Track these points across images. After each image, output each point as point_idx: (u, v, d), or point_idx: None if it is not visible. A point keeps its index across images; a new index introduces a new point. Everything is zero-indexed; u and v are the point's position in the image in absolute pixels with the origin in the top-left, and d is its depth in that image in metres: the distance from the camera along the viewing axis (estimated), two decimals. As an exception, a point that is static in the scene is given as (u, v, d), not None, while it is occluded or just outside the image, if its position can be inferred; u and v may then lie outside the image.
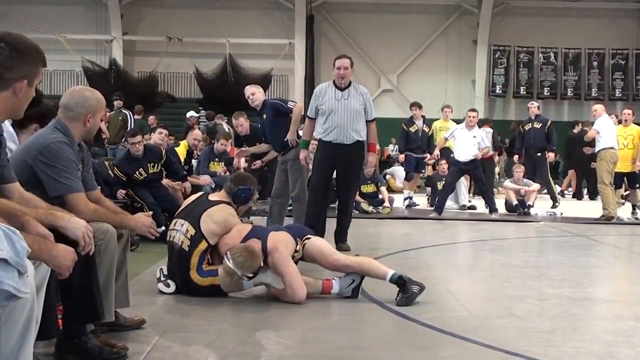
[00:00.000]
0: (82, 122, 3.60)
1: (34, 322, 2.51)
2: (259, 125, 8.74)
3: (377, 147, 7.86)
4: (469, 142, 11.82)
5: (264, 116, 8.19)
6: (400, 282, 4.74)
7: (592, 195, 16.62)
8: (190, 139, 10.30)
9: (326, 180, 7.47)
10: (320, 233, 6.76)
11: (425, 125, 13.50)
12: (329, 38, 23.27)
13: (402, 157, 14.46)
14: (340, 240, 7.35)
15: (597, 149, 11.49)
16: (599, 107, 11.94)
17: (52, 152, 3.42)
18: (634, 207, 11.89)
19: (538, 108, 14.18)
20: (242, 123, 10.04)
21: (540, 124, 13.66)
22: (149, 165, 8.16)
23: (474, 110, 12.49)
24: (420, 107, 13.60)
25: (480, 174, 12.10)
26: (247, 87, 8.48)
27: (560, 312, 4.63)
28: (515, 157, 14.57)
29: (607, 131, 11.34)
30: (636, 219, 11.62)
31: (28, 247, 2.23)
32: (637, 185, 11.89)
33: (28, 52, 2.71)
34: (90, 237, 2.94)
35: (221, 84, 21.83)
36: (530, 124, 13.78)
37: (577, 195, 16.93)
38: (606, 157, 11.30)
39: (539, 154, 13.55)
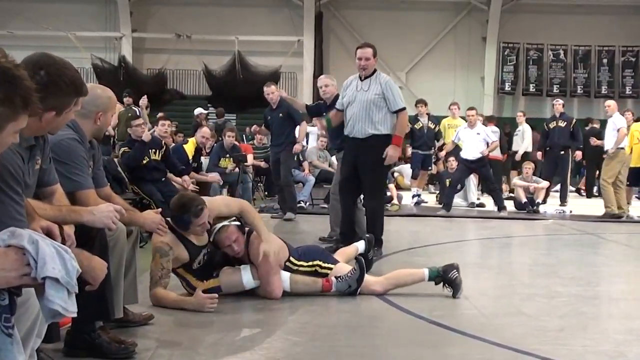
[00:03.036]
0: (93, 119, 3.61)
1: (40, 318, 2.52)
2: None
3: (400, 139, 6.96)
4: (474, 140, 11.81)
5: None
6: (439, 278, 4.90)
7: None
8: (199, 137, 10.30)
9: (347, 177, 6.93)
10: (350, 239, 6.52)
11: (430, 122, 13.49)
12: (338, 35, 23.22)
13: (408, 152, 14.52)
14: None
15: (611, 147, 11.33)
16: (612, 103, 11.86)
17: (63, 149, 3.43)
18: None
19: (563, 106, 14.15)
20: (273, 91, 10.07)
21: (565, 122, 13.63)
22: (151, 151, 8.33)
23: (472, 108, 12.46)
24: (425, 104, 13.65)
25: (488, 173, 12.07)
26: (321, 77, 8.56)
27: (570, 311, 4.62)
28: (538, 154, 14.38)
29: (623, 130, 11.28)
30: None
31: (78, 267, 2.22)
32: None
33: (66, 87, 2.64)
34: (117, 217, 3.10)
35: (230, 81, 21.84)
36: (554, 122, 13.72)
37: (587, 193, 16.80)
38: (618, 157, 11.24)
39: (562, 152, 13.53)
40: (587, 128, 17.11)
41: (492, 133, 12.47)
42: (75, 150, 3.48)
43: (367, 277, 4.87)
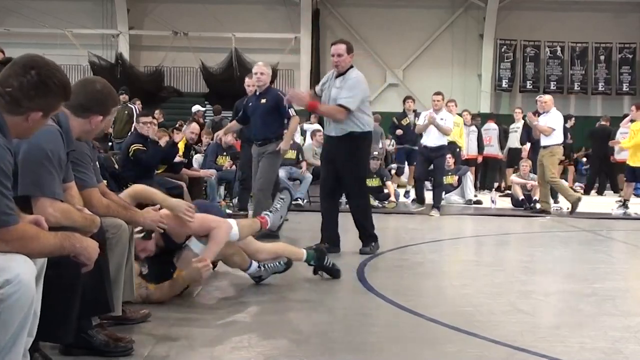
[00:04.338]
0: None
1: (31, 316, 2.53)
2: (248, 104, 8.23)
3: (318, 110, 6.91)
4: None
5: (263, 101, 7.90)
6: (317, 267, 5.25)
7: (600, 190, 16.59)
8: (188, 133, 10.20)
9: (326, 177, 6.87)
10: (334, 242, 6.63)
11: (416, 118, 13.50)
12: (335, 32, 23.20)
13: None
14: (363, 244, 6.78)
15: (547, 144, 11.34)
16: (548, 99, 11.85)
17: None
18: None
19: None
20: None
21: None
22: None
23: (438, 93, 11.76)
24: (413, 100, 13.84)
25: (442, 165, 11.46)
26: (258, 64, 8.16)
27: (566, 308, 4.63)
28: (524, 150, 14.38)
29: (560, 126, 11.34)
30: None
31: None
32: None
33: (55, 88, 2.65)
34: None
35: (227, 79, 21.82)
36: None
37: (587, 190, 16.78)
38: (558, 153, 11.31)
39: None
40: (596, 125, 17.16)
41: (450, 121, 11.63)
42: (81, 148, 3.51)
43: (255, 244, 5.04)
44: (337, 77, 6.75)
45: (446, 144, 11.36)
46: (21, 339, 2.54)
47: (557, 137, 11.31)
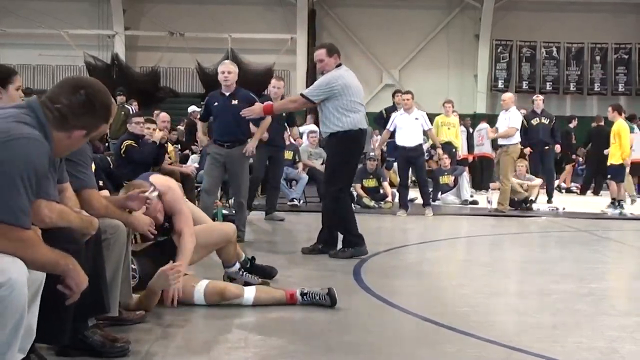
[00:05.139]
0: None
1: (21, 330, 2.52)
2: (214, 104, 7.66)
3: (274, 109, 6.80)
4: (412, 126, 11.02)
5: (235, 102, 7.42)
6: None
7: (596, 191, 16.60)
8: (159, 123, 9.84)
9: (326, 175, 6.94)
10: (330, 242, 6.60)
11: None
12: (331, 33, 23.22)
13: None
14: (343, 245, 6.60)
15: (505, 143, 11.35)
16: (507, 97, 11.87)
17: None
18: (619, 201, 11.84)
19: (543, 101, 14.11)
20: (281, 86, 9.55)
21: (548, 120, 13.62)
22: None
23: (408, 92, 11.66)
24: (401, 94, 13.83)
25: (423, 165, 11.39)
26: (225, 62, 7.97)
27: (563, 308, 4.63)
28: (527, 150, 14.33)
29: (519, 125, 11.38)
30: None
31: None
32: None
33: (100, 109, 2.80)
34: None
35: (223, 79, 21.81)
36: (537, 118, 13.69)
37: (583, 191, 16.81)
38: (514, 153, 11.34)
39: (547, 148, 13.49)
40: (593, 125, 17.18)
41: (427, 121, 11.40)
42: (84, 149, 3.53)
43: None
44: None
45: (422, 142, 11.31)
46: (16, 341, 2.53)
47: (515, 137, 11.32)
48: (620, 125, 11.76)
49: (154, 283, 4.11)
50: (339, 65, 6.60)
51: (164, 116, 10.58)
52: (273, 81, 9.57)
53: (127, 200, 3.74)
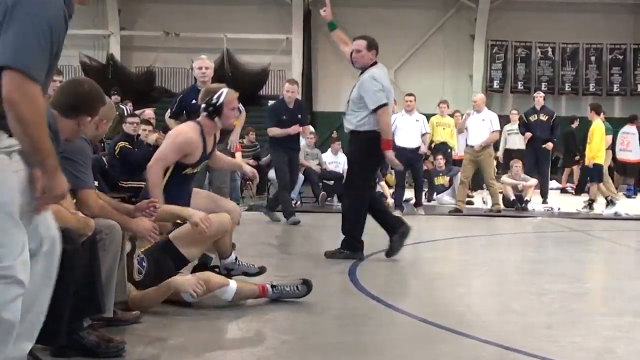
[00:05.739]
0: (96, 125, 3.70)
1: (15, 331, 2.52)
2: (191, 101, 7.29)
3: (390, 143, 6.48)
4: (412, 127, 11.16)
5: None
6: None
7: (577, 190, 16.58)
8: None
9: (347, 173, 6.91)
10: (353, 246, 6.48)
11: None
12: (326, 33, 23.02)
13: None
14: (341, 246, 6.53)
15: (474, 144, 11.40)
16: (479, 98, 11.90)
17: (73, 146, 3.48)
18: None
19: (543, 99, 14.10)
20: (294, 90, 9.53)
21: (547, 116, 13.60)
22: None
23: (410, 94, 11.84)
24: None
25: (421, 168, 11.43)
26: (202, 57, 7.80)
27: (559, 308, 4.63)
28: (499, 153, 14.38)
29: (499, 127, 11.49)
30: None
31: None
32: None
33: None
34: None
35: (218, 79, 21.61)
36: (535, 115, 13.66)
37: (578, 191, 16.80)
38: (494, 153, 11.44)
39: (544, 146, 13.47)
40: (573, 126, 17.20)
41: (426, 124, 11.68)
42: (84, 149, 3.58)
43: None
44: (360, 73, 6.55)
45: (421, 144, 11.38)
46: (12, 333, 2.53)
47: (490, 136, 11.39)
48: (596, 125, 11.84)
49: (172, 282, 4.15)
50: (374, 63, 6.51)
51: (149, 113, 10.55)
52: (287, 85, 9.55)
53: (135, 212, 3.86)
